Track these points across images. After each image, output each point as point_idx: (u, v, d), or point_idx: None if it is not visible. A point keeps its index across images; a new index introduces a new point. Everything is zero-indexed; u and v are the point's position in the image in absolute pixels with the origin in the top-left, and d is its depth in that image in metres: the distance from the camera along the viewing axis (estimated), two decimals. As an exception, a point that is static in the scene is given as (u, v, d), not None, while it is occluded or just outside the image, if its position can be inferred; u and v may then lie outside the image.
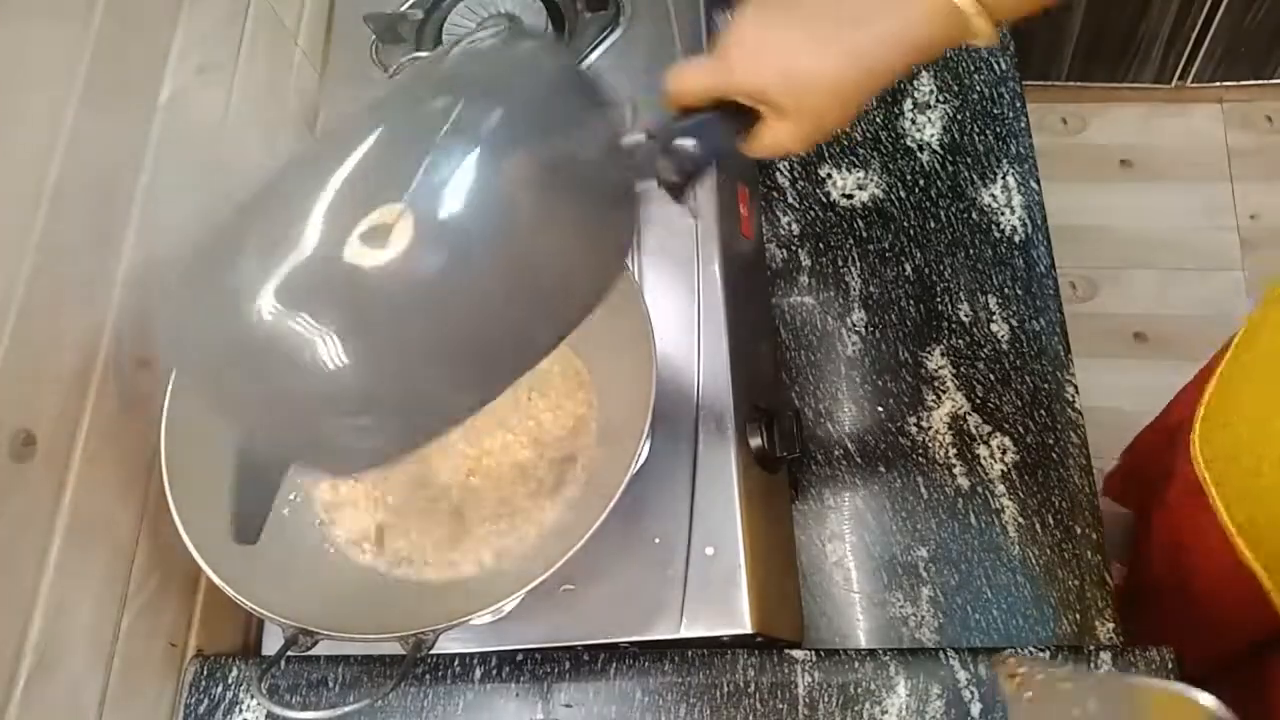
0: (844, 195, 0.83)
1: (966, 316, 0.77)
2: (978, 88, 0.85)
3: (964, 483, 0.72)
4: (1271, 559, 0.65)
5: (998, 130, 0.83)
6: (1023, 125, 0.83)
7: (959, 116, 0.84)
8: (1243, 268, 1.64)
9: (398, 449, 0.46)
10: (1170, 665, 0.59)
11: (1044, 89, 1.75)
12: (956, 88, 0.85)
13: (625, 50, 0.77)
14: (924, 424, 0.74)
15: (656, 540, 0.60)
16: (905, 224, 0.81)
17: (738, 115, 0.48)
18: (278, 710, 0.49)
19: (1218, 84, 1.70)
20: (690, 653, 0.61)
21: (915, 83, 0.86)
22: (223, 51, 0.72)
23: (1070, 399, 0.74)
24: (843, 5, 0.45)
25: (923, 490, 0.73)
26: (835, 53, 0.45)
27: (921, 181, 0.82)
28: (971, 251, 0.79)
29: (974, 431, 0.74)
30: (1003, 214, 0.80)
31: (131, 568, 0.59)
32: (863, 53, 0.45)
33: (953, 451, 0.73)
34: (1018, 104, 0.84)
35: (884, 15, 0.45)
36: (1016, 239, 0.79)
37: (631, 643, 0.59)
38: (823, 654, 0.61)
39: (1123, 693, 0.47)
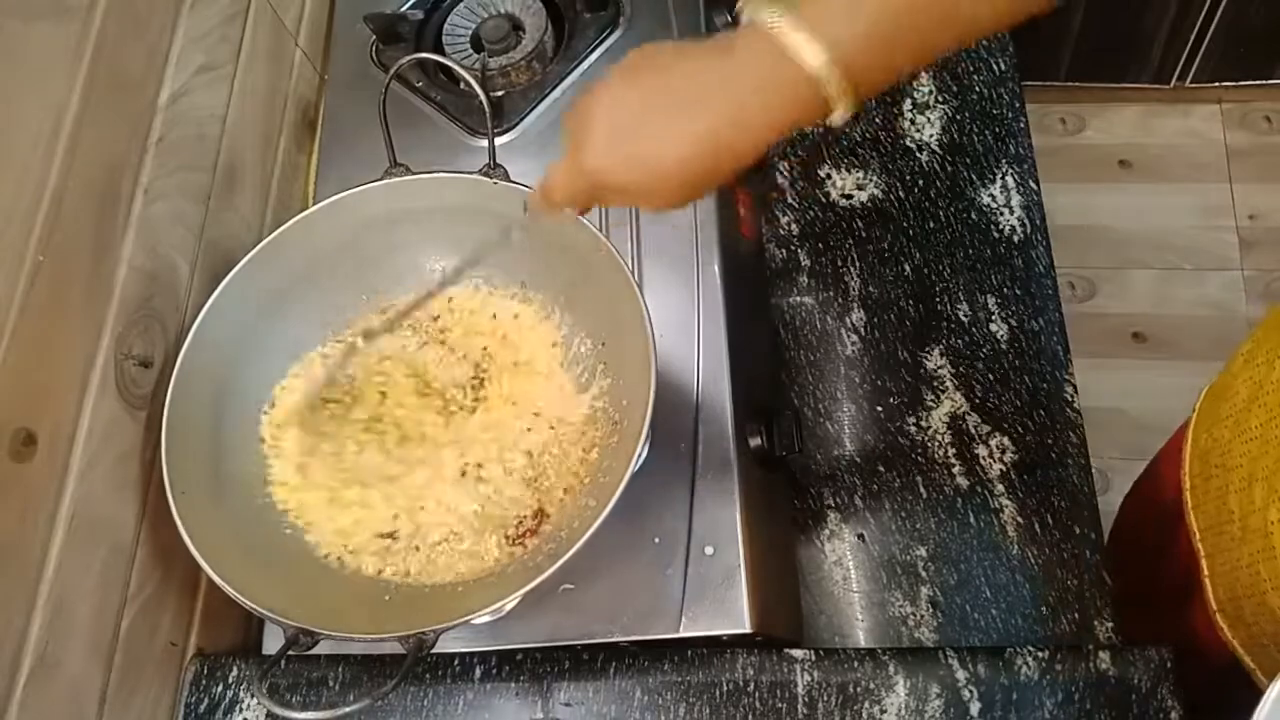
0: (843, 195, 0.83)
1: (966, 316, 0.77)
2: (977, 88, 0.85)
3: (963, 482, 0.73)
4: (1250, 640, 0.61)
5: (997, 130, 0.84)
6: (1022, 125, 0.84)
7: (958, 117, 0.84)
8: (1241, 268, 1.65)
9: None
10: (1169, 665, 0.59)
11: (1043, 89, 1.75)
12: (955, 88, 0.86)
13: (625, 51, 0.76)
14: (923, 424, 0.74)
15: (656, 540, 0.60)
16: (904, 224, 0.81)
17: None
18: (278, 710, 0.48)
19: (1216, 84, 1.70)
20: (690, 652, 0.61)
21: (915, 83, 0.86)
22: (223, 51, 0.72)
23: (1069, 399, 0.74)
24: (689, 85, 0.44)
25: (922, 490, 0.73)
26: (678, 137, 0.44)
27: (921, 182, 0.83)
28: (971, 251, 0.80)
29: (973, 431, 0.74)
30: (1002, 214, 0.81)
31: (132, 567, 0.59)
32: (706, 137, 0.43)
33: (952, 451, 0.73)
34: (1017, 104, 0.84)
35: (722, 97, 0.43)
36: (1015, 239, 0.80)
37: (631, 642, 0.59)
38: (822, 653, 0.61)
39: None
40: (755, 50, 0.43)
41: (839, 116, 0.43)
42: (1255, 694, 0.43)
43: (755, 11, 0.43)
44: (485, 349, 0.66)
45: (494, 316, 0.67)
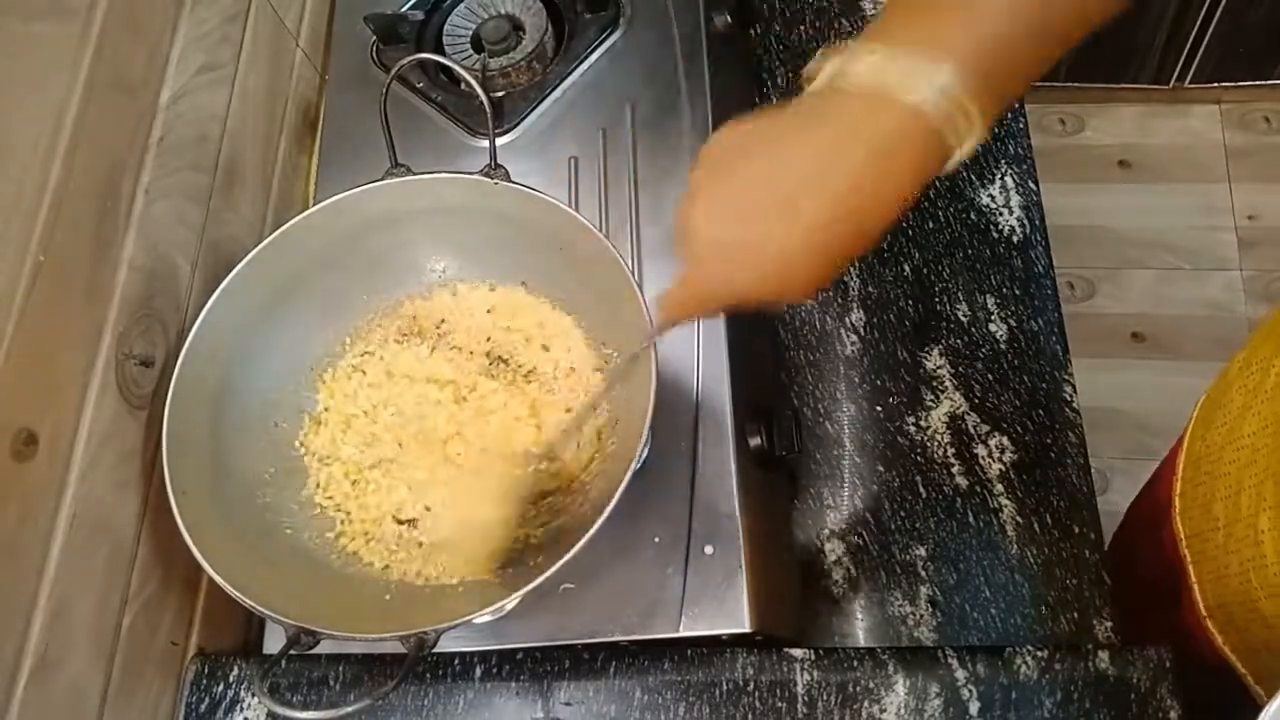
0: (843, 196, 0.83)
1: (965, 316, 0.77)
2: (976, 88, 0.85)
3: (962, 482, 0.73)
4: (1242, 645, 0.61)
5: (996, 131, 0.84)
6: (1021, 126, 0.84)
7: (957, 117, 0.84)
8: (1240, 268, 1.65)
9: None
10: (1168, 665, 0.60)
11: (1042, 89, 1.75)
12: (955, 88, 0.86)
13: (625, 51, 0.77)
14: (922, 424, 0.75)
15: (656, 540, 0.60)
16: (904, 224, 0.81)
17: None
18: (279, 709, 0.49)
19: (1216, 85, 1.71)
20: (689, 651, 0.62)
21: (914, 83, 0.86)
22: (223, 52, 0.72)
23: (1068, 399, 0.74)
24: (788, 173, 0.39)
25: (921, 489, 0.73)
26: (794, 238, 0.39)
27: (920, 182, 0.83)
28: (970, 252, 0.80)
29: (972, 431, 0.74)
30: (1001, 214, 0.81)
31: (133, 566, 0.59)
32: (825, 228, 0.39)
33: (951, 451, 0.74)
34: (1016, 105, 0.84)
35: (833, 179, 0.38)
36: (1015, 239, 0.80)
37: (631, 641, 0.60)
38: (821, 653, 0.61)
39: None
40: (856, 107, 0.38)
41: (968, 148, 0.38)
42: (1248, 695, 0.43)
43: (847, 59, 0.38)
44: (489, 338, 0.66)
45: (489, 311, 0.67)
